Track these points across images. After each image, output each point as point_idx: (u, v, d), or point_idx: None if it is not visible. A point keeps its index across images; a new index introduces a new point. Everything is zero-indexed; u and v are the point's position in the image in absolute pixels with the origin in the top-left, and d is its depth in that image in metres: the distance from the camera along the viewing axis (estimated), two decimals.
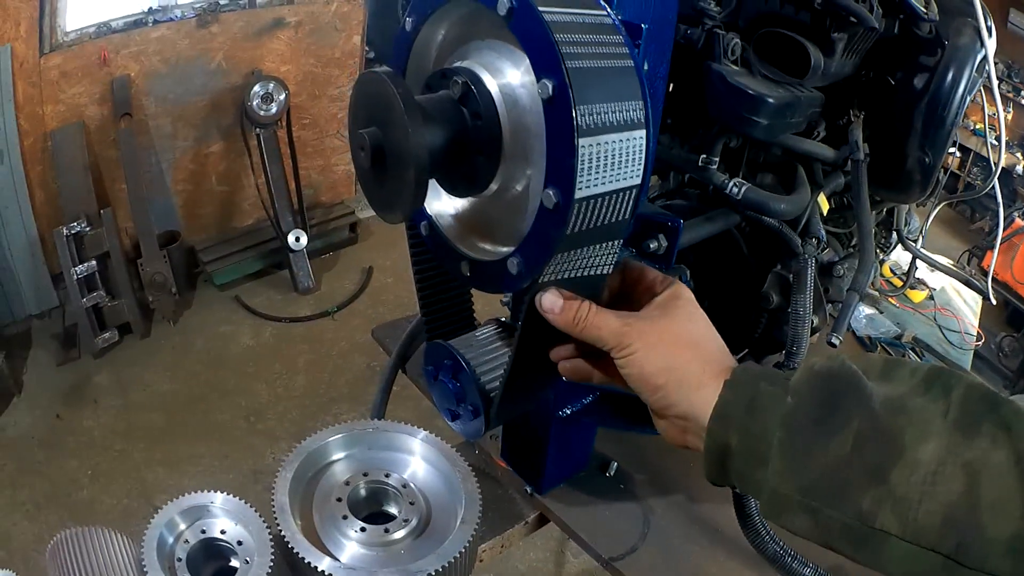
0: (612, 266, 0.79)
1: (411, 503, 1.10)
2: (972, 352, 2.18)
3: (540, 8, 0.67)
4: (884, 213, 1.51)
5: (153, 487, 2.56)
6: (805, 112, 1.14)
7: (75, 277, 3.02)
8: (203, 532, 1.04)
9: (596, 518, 1.27)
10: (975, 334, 2.30)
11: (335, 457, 1.19)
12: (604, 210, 0.73)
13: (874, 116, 1.24)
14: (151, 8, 3.24)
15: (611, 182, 0.72)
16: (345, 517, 1.06)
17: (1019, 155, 8.50)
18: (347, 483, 1.13)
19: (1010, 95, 9.12)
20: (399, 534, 1.06)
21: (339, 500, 1.09)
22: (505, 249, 0.80)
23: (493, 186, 0.79)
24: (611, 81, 0.70)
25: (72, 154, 3.07)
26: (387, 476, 1.14)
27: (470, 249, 0.87)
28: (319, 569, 0.96)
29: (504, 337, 1.05)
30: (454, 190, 0.82)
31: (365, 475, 1.15)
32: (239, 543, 1.03)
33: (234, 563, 1.03)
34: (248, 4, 3.44)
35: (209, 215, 3.74)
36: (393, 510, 1.11)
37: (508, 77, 0.75)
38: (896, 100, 1.21)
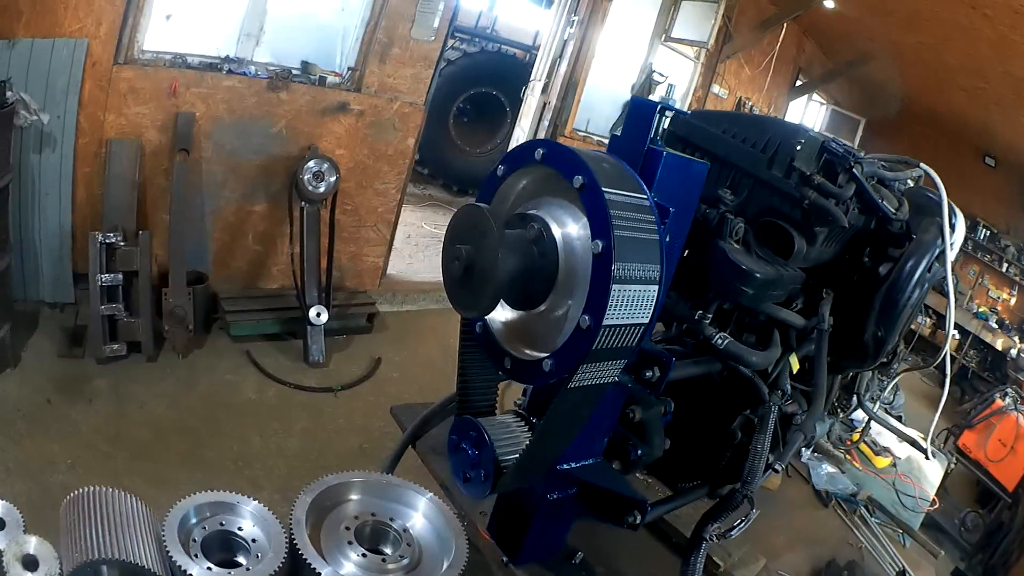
0: (616, 378, 1.10)
1: (407, 545, 1.33)
2: (923, 515, 2.41)
3: (603, 188, 1.01)
4: (848, 378, 1.81)
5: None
6: (786, 287, 1.47)
7: (99, 283, 3.25)
8: (222, 524, 1.27)
9: None
10: (929, 500, 2.54)
11: (351, 496, 1.42)
12: (620, 337, 1.04)
13: (842, 295, 1.57)
14: (228, 56, 3.57)
15: (628, 318, 1.03)
16: (350, 543, 1.29)
17: (1016, 339, 8.89)
18: (356, 518, 1.37)
19: (1017, 278, 9.59)
20: (392, 566, 1.30)
21: (347, 529, 1.33)
22: (541, 354, 1.11)
23: (541, 307, 1.10)
24: (641, 248, 1.03)
25: (125, 167, 3.32)
26: (391, 520, 1.38)
27: (513, 349, 1.18)
28: (319, 572, 1.17)
29: (520, 425, 1.34)
30: (512, 304, 1.12)
31: (373, 515, 1.39)
32: (253, 541, 1.25)
33: (240, 559, 1.25)
34: (318, 81, 3.86)
35: (238, 268, 4.04)
36: (389, 549, 1.34)
37: (568, 228, 1.09)
38: (862, 283, 1.54)
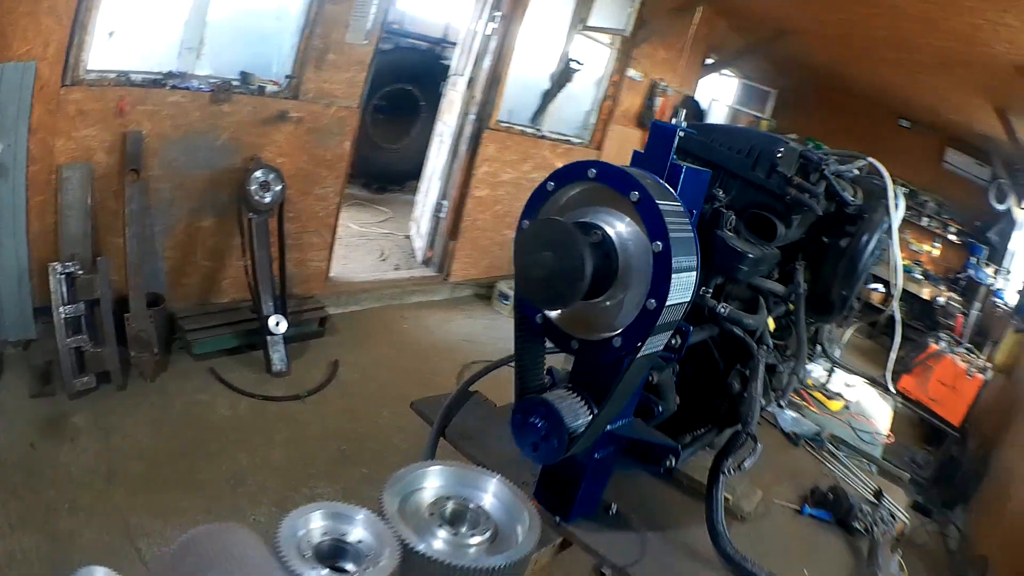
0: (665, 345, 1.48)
1: (485, 520, 1.63)
2: (882, 447, 2.96)
3: (656, 200, 1.37)
4: (812, 332, 2.28)
5: (136, 529, 2.83)
6: (770, 264, 1.90)
7: (63, 315, 3.35)
8: (329, 534, 1.39)
9: (607, 541, 1.86)
10: (885, 434, 3.10)
11: (425, 484, 1.71)
12: (674, 314, 1.43)
13: (811, 265, 2.01)
14: (171, 71, 3.70)
15: (680, 298, 1.42)
16: (439, 526, 1.57)
17: (943, 288, 10.02)
18: (434, 503, 1.65)
19: (938, 231, 10.80)
20: (475, 540, 1.59)
21: (431, 515, 1.61)
22: (606, 334, 1.46)
23: (600, 298, 1.46)
24: (685, 245, 1.41)
25: (78, 193, 3.42)
26: (466, 501, 1.69)
27: (575, 333, 1.53)
28: (435, 559, 1.42)
29: (574, 397, 1.69)
30: (583, 298, 1.47)
31: (448, 499, 1.69)
32: (359, 542, 1.40)
33: (349, 566, 1.37)
34: (258, 91, 4.05)
35: (191, 285, 4.19)
36: (470, 526, 1.64)
37: (621, 232, 1.44)
38: (827, 255, 1.99)
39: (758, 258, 1.81)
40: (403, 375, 4.81)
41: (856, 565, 2.13)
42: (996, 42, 4.78)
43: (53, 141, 3.29)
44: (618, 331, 1.46)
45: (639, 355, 1.45)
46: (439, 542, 1.50)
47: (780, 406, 1.88)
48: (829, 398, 3.07)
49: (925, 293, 9.87)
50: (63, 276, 3.36)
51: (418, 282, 6.11)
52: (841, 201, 1.90)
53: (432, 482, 1.71)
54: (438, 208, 6.13)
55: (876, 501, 2.39)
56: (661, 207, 1.38)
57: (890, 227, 1.96)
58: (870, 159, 2.01)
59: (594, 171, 1.46)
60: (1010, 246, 9.53)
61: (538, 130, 6.78)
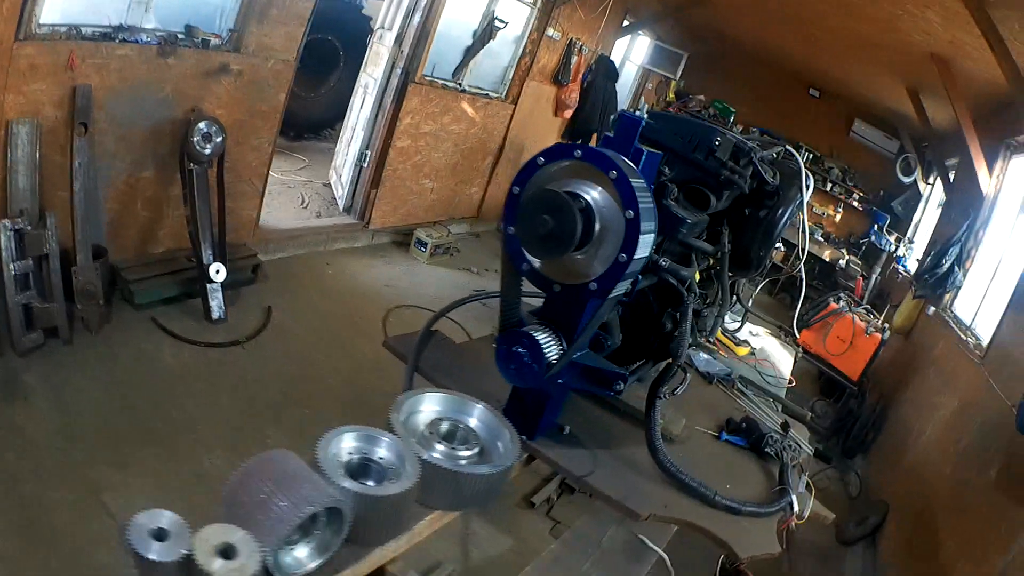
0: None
1: (474, 438, 2.07)
2: (786, 390, 3.61)
3: (630, 178, 1.86)
4: (730, 284, 2.85)
5: (101, 485, 3.06)
6: (702, 228, 2.43)
7: (13, 272, 3.48)
8: (363, 454, 1.81)
9: (566, 456, 2.36)
10: (788, 378, 3.76)
11: (422, 408, 2.13)
12: (637, 265, 1.92)
13: (734, 230, 2.56)
14: (121, 25, 3.83)
15: (643, 253, 1.92)
16: (437, 442, 1.96)
17: (843, 251, 11.11)
18: (431, 423, 2.06)
19: (842, 196, 11.91)
20: (466, 453, 1.99)
21: (430, 432, 2.00)
22: (583, 280, 1.94)
23: (578, 252, 1.93)
24: (648, 212, 1.91)
25: (27, 150, 3.52)
26: (457, 422, 2.13)
27: (555, 279, 2.01)
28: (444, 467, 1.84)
29: (547, 329, 2.16)
30: None
31: (442, 420, 2.12)
32: (380, 458, 1.80)
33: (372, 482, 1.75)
34: (202, 45, 4.24)
35: (130, 237, 4.38)
36: (459, 442, 2.06)
37: (596, 198, 1.91)
38: (748, 222, 2.54)
39: (693, 223, 2.33)
40: (332, 319, 5.20)
41: (768, 483, 2.59)
42: (915, 31, 5.44)
43: (3, 97, 3.37)
44: (593, 278, 1.94)
45: (609, 297, 1.95)
46: (437, 454, 1.93)
47: (709, 342, 2.42)
48: (737, 344, 3.69)
49: (826, 255, 10.88)
50: (12, 233, 3.46)
51: (340, 229, 6.44)
52: (762, 181, 2.45)
53: (428, 406, 2.17)
54: (361, 157, 6.44)
55: (783, 432, 2.93)
56: (633, 184, 1.86)
57: (802, 202, 2.52)
58: (788, 147, 2.56)
59: (579, 152, 1.93)
60: (915, 217, 10.57)
61: (459, 84, 7.15)
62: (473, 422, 2.15)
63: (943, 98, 6.49)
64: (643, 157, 2.06)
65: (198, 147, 4.27)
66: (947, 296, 6.43)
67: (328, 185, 6.97)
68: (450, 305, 3.03)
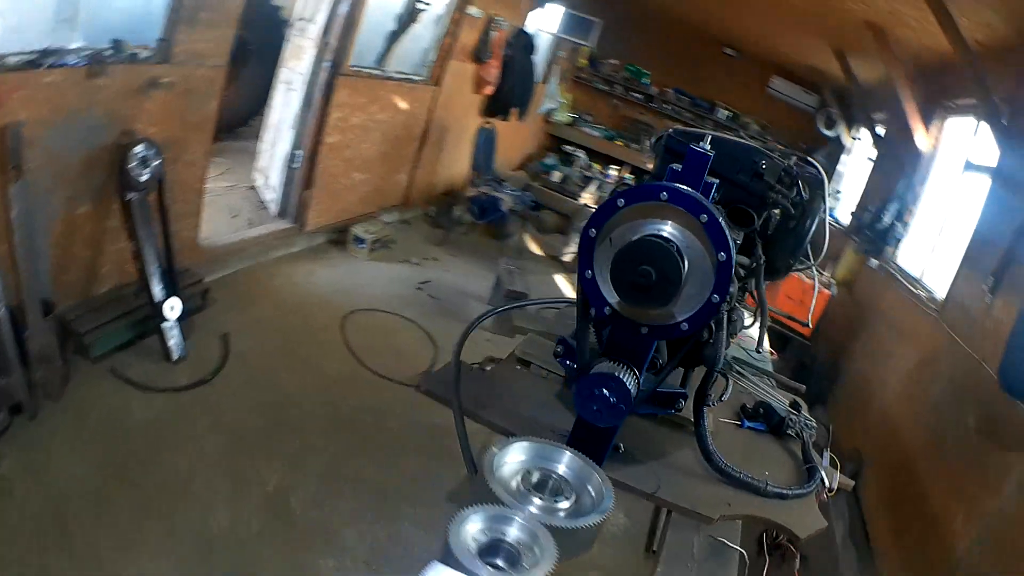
0: None
1: (567, 487, 2.04)
2: (771, 362, 3.82)
3: (719, 220, 1.92)
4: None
5: (111, 567, 2.94)
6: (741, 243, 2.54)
7: None
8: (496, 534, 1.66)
9: (632, 476, 2.42)
10: (769, 351, 3.97)
11: (507, 459, 2.10)
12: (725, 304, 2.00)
13: (766, 241, 2.68)
14: (47, 49, 3.51)
15: (728, 293, 1.98)
16: (535, 495, 1.88)
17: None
18: (522, 476, 1.94)
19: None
20: (564, 504, 1.88)
21: (526, 488, 1.86)
22: (669, 321, 2.01)
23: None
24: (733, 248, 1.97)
25: None
26: (548, 471, 2.13)
27: (642, 320, 2.07)
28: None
29: (623, 367, 2.21)
30: None
31: (530, 472, 2.03)
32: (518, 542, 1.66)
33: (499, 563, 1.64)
34: (130, 59, 3.98)
35: (73, 281, 4.10)
36: (551, 493, 2.06)
37: (683, 239, 1.97)
38: (779, 234, 2.66)
39: (739, 242, 2.44)
40: (289, 336, 5.12)
41: (794, 462, 2.82)
42: (853, 0, 5.69)
43: None
44: (681, 319, 2.02)
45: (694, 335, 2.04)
46: (535, 509, 1.81)
47: (759, 351, 2.55)
48: None
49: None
50: None
51: (277, 236, 6.29)
52: (799, 197, 2.57)
53: (513, 456, 2.14)
54: (292, 158, 6.26)
55: (795, 410, 3.13)
56: (723, 226, 1.94)
57: (825, 209, 2.66)
58: (810, 159, 2.67)
59: (666, 195, 1.98)
60: (838, 169, 11.09)
61: (383, 71, 7.03)
62: (562, 468, 2.16)
63: (873, 59, 6.86)
64: (712, 191, 2.13)
65: (136, 174, 4.05)
66: (889, 250, 6.88)
67: (254, 189, 6.75)
68: (474, 322, 2.98)
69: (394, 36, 6.90)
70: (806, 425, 3.03)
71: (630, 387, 2.14)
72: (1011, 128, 4.97)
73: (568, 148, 11.79)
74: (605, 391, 2.16)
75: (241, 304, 5.29)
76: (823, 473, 2.71)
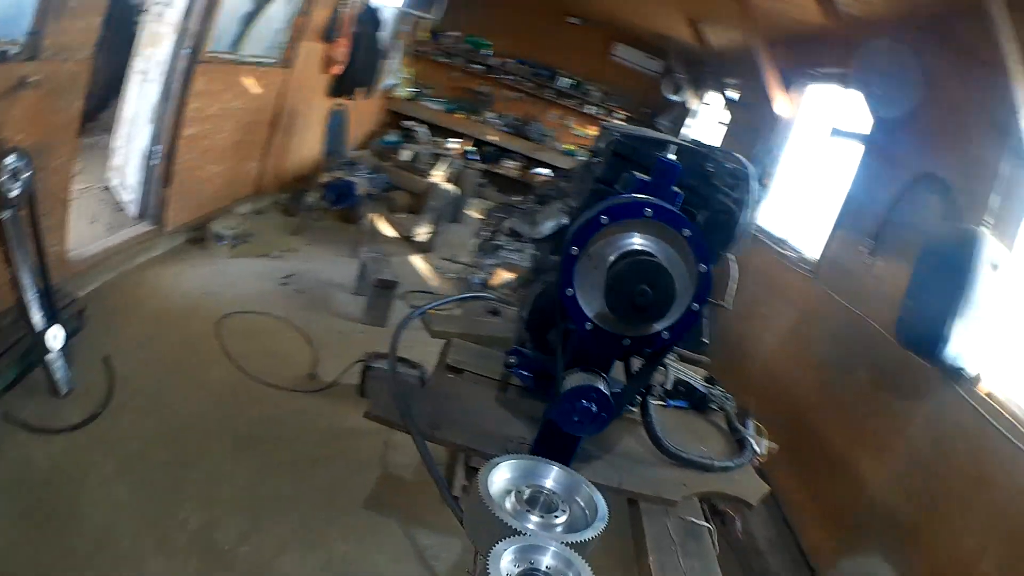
0: None
1: (559, 501, 2.07)
2: None
3: (701, 234, 2.14)
4: None
5: None
6: None
7: None
8: (530, 563, 1.82)
9: (595, 472, 2.53)
10: None
11: (494, 478, 2.10)
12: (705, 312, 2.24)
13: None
14: None
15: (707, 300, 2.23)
16: (532, 513, 1.98)
17: None
18: (514, 494, 2.03)
19: (604, 117, 12.92)
20: (561, 519, 2.03)
21: (520, 507, 2.00)
22: (651, 331, 2.21)
23: None
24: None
25: None
26: (538, 487, 2.11)
27: (625, 333, 2.25)
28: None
29: (600, 378, 2.39)
30: None
31: (521, 490, 2.06)
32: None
33: None
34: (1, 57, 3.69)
35: None
36: (546, 508, 2.05)
37: (664, 252, 2.17)
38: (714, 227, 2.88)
39: None
40: (169, 350, 4.98)
41: (725, 434, 3.15)
42: None
43: None
44: (664, 327, 2.20)
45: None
46: (532, 525, 1.97)
47: None
48: None
49: None
50: None
51: (140, 240, 6.02)
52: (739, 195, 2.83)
53: (500, 475, 2.12)
54: (150, 154, 5.95)
55: (711, 384, 3.40)
56: (703, 240, 2.15)
57: (757, 202, 2.92)
58: (739, 156, 2.91)
59: (650, 211, 2.15)
60: (683, 131, 11.69)
61: (238, 56, 6.82)
62: (549, 483, 2.17)
63: (727, 26, 7.28)
64: (679, 201, 2.33)
65: (6, 189, 3.76)
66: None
67: (110, 190, 6.35)
68: (391, 347, 3.04)
69: (250, 17, 6.69)
70: (726, 398, 3.36)
71: (609, 396, 2.33)
72: (883, 97, 5.36)
73: (409, 123, 11.80)
74: (587, 403, 2.33)
75: (115, 321, 5.05)
76: (753, 441, 3.05)
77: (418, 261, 8.60)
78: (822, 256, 5.82)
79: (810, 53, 7.12)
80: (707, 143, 2.93)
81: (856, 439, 4.61)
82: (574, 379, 2.37)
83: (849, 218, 5.63)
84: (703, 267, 2.15)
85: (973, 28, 4.23)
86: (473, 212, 11.29)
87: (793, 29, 6.94)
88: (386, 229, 9.35)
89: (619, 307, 2.15)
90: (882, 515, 4.15)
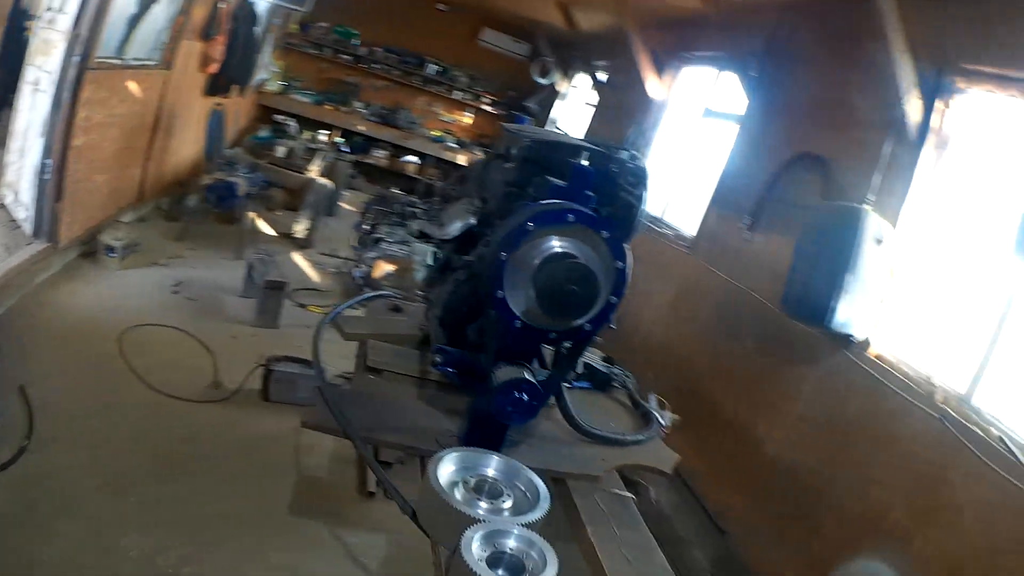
0: None
1: (504, 487, 2.28)
2: None
3: (618, 236, 2.39)
4: None
5: None
6: None
7: None
8: (495, 547, 2.01)
9: (519, 457, 2.64)
10: None
11: (441, 471, 2.26)
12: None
13: None
14: None
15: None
16: (481, 499, 2.20)
17: (479, 152, 12.41)
18: (457, 482, 2.23)
19: (471, 102, 13.07)
20: (508, 504, 2.24)
21: (469, 495, 2.20)
22: (575, 325, 2.43)
23: None
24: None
25: None
26: (483, 476, 2.31)
27: (552, 328, 2.46)
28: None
29: (523, 366, 2.57)
30: None
31: (467, 480, 2.27)
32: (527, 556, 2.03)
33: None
34: None
35: None
36: (491, 495, 2.25)
37: (585, 252, 2.38)
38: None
39: None
40: (80, 375, 4.88)
41: (629, 411, 3.37)
42: None
43: None
44: (586, 320, 2.43)
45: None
46: (483, 511, 2.15)
47: None
48: None
49: (460, 159, 12.46)
50: None
51: (36, 260, 5.84)
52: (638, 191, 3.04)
53: (445, 467, 2.29)
54: (43, 168, 5.75)
55: (610, 363, 3.62)
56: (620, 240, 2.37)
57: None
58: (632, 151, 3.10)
59: (572, 216, 2.36)
60: (551, 114, 12.17)
61: (123, 60, 6.68)
62: (491, 471, 2.37)
63: (598, 9, 7.41)
64: (592, 203, 2.55)
65: None
66: None
67: (4, 207, 6.06)
68: (319, 330, 3.11)
69: (135, 19, 6.52)
70: (626, 376, 3.61)
71: (539, 386, 2.53)
72: (761, 80, 5.76)
73: (279, 117, 11.66)
74: (519, 394, 2.52)
75: (22, 347, 4.91)
76: (658, 414, 3.30)
77: (299, 258, 8.59)
78: (699, 233, 6.11)
79: (684, 36, 7.43)
80: (608, 142, 3.10)
81: (750, 404, 4.93)
82: (505, 372, 2.56)
83: (725, 196, 5.91)
84: (620, 264, 2.38)
85: (856, 12, 4.52)
86: (346, 204, 11.30)
87: (667, 13, 7.22)
88: (266, 228, 9.26)
89: (550, 306, 2.35)
90: (785, 475, 4.42)
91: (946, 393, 3.70)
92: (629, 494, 2.94)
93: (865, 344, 4.16)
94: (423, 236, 3.56)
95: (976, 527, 3.33)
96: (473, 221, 3.32)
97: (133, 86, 6.94)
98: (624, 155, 3.04)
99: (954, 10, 4.10)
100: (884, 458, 3.84)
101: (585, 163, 2.63)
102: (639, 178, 2.96)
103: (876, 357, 4.11)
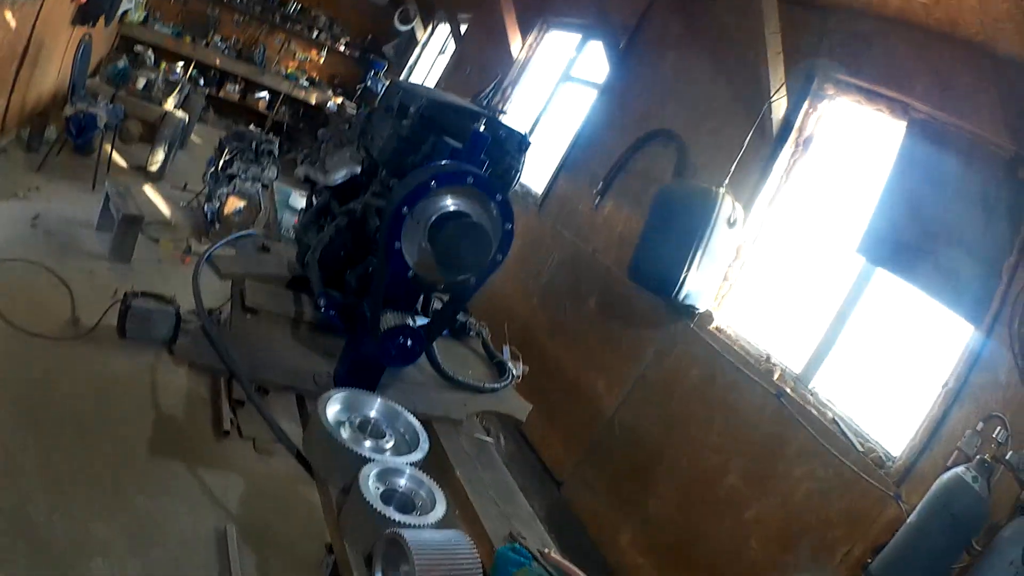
0: None
1: (385, 427, 2.43)
2: None
3: (509, 200, 2.56)
4: None
5: None
6: None
7: None
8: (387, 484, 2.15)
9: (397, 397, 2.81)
10: None
11: (328, 411, 2.37)
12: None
13: None
14: None
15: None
16: (365, 439, 2.31)
17: (331, 93, 12.60)
18: (342, 422, 2.34)
19: (327, 42, 13.11)
20: (390, 443, 2.38)
21: (353, 428, 2.34)
22: (463, 278, 2.59)
23: None
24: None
25: None
26: (366, 417, 2.45)
27: (440, 279, 2.60)
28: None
29: (406, 313, 2.70)
30: None
31: (352, 420, 2.39)
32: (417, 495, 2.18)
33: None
34: None
35: None
36: (374, 434, 2.39)
37: (479, 212, 2.53)
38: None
39: None
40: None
41: (483, 359, 3.52)
42: None
43: None
44: (473, 275, 2.60)
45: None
46: (367, 451, 2.25)
47: None
48: None
49: (313, 99, 12.45)
50: None
51: None
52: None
53: (331, 408, 2.39)
54: None
55: (466, 313, 3.66)
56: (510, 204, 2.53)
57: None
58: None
59: (471, 179, 2.49)
60: (409, 61, 12.21)
61: None
62: (373, 413, 2.50)
63: None
64: (486, 168, 2.70)
65: None
66: None
67: None
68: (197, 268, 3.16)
69: None
70: (480, 326, 3.77)
71: (422, 333, 2.66)
72: (628, 52, 5.88)
73: (138, 48, 11.13)
74: (403, 339, 2.65)
75: None
76: (511, 364, 3.49)
77: (151, 191, 8.27)
78: (546, 192, 6.15)
79: (553, 1, 7.44)
80: (498, 111, 3.25)
81: (589, 364, 5.04)
82: (391, 319, 2.67)
83: (577, 160, 5.97)
84: (508, 226, 2.54)
85: (738, 8, 4.63)
86: (197, 138, 10.96)
87: None
88: (120, 160, 8.88)
89: (445, 260, 2.48)
90: (622, 435, 4.58)
91: (784, 372, 3.93)
92: (489, 438, 3.10)
93: (708, 317, 4.37)
94: (307, 181, 3.52)
95: (809, 502, 3.46)
96: (358, 170, 3.37)
97: (8, 15, 6.44)
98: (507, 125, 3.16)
99: (834, 24, 4.29)
100: (721, 426, 4.03)
101: (482, 129, 2.76)
102: (522, 147, 3.13)
103: (716, 330, 4.33)
